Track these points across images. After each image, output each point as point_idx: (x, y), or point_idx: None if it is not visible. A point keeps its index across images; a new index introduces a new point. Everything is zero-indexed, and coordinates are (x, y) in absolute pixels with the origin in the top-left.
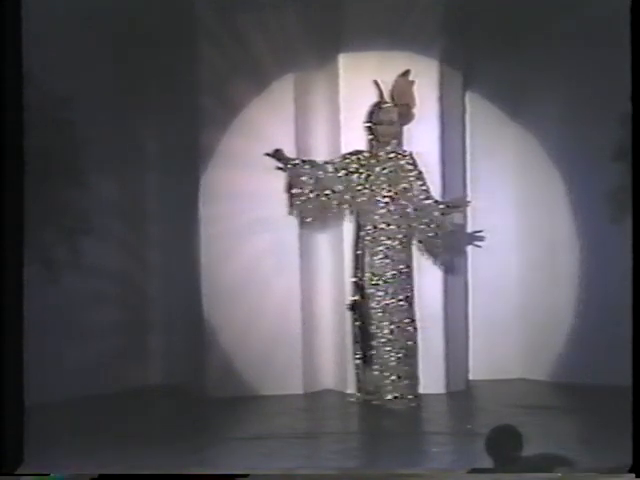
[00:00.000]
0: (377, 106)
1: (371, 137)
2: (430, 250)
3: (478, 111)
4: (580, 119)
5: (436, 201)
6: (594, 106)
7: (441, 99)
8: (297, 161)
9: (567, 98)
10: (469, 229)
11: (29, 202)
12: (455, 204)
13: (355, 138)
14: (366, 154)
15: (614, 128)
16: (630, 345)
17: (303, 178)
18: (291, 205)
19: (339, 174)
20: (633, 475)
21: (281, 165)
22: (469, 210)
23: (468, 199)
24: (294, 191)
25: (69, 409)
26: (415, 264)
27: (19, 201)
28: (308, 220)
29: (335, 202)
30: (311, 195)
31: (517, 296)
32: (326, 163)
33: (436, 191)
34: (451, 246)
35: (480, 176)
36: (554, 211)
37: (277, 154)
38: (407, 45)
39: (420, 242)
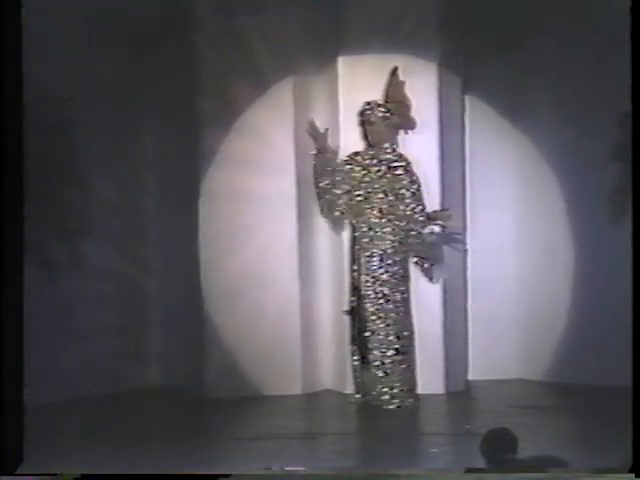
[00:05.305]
0: (365, 109)
1: (364, 138)
2: (416, 258)
3: (477, 113)
4: (580, 120)
5: (422, 210)
6: (594, 107)
7: (440, 101)
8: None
9: (567, 98)
10: (468, 230)
11: (29, 203)
12: (434, 217)
13: (354, 140)
14: (364, 155)
15: (614, 129)
16: (630, 345)
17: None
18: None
19: (344, 173)
20: (633, 475)
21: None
22: (468, 210)
23: (450, 213)
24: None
25: (69, 409)
26: (413, 265)
27: (19, 202)
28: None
29: (339, 200)
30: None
31: (516, 296)
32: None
33: (435, 194)
34: (433, 257)
35: (480, 176)
36: (553, 211)
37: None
38: (406, 48)
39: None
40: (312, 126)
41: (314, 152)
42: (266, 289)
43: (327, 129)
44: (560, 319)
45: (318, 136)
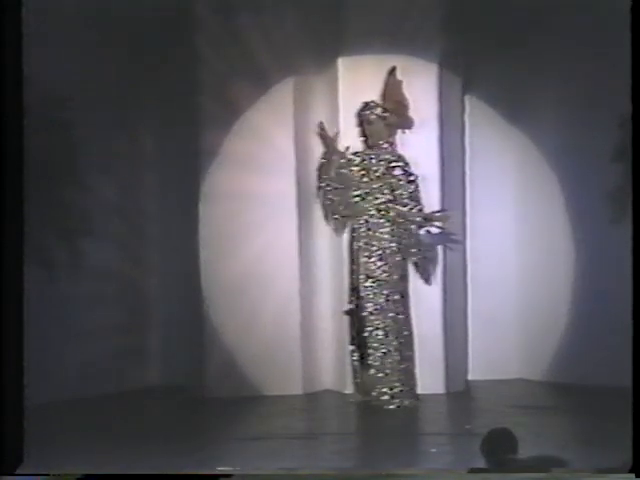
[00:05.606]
0: (363, 108)
1: (363, 138)
2: (414, 258)
3: (477, 113)
4: (580, 120)
5: (420, 210)
6: (594, 107)
7: (440, 101)
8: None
9: (567, 99)
10: (468, 230)
11: (29, 203)
12: (431, 217)
13: (354, 140)
14: (363, 155)
15: (614, 129)
16: (630, 345)
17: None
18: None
19: (342, 173)
20: (633, 475)
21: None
22: (468, 210)
23: (447, 214)
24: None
25: (69, 409)
26: (413, 265)
27: (19, 202)
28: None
29: (339, 201)
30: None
31: (516, 296)
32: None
33: (434, 194)
34: (431, 257)
35: (479, 176)
36: (554, 212)
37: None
38: (406, 48)
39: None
40: (322, 129)
41: (322, 155)
42: (266, 289)
43: (337, 132)
44: (560, 319)
45: (328, 139)
